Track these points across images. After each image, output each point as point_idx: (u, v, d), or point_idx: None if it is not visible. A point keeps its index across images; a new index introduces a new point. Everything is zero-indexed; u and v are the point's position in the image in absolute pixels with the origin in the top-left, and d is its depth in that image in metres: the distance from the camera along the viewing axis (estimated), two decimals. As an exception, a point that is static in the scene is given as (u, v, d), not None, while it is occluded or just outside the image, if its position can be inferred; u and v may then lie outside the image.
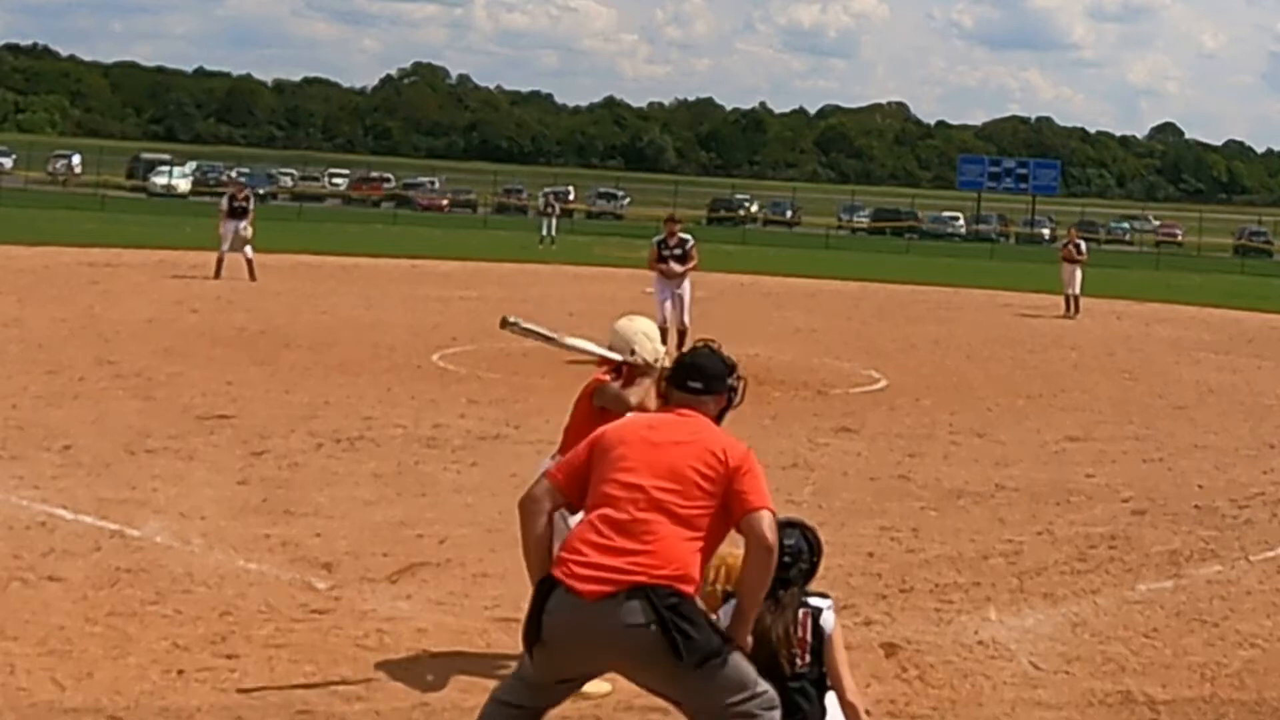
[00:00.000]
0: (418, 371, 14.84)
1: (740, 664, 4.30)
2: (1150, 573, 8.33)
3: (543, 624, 4.24)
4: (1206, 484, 11.06)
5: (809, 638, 4.51)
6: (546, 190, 58.93)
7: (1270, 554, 8.91)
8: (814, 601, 4.60)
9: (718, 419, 4.63)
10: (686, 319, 17.16)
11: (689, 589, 4.25)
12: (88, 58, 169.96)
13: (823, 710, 4.52)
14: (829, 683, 4.54)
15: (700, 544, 4.30)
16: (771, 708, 4.30)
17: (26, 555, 7.34)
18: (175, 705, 5.53)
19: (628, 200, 77.37)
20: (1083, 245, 27.83)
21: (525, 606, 4.34)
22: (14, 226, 33.39)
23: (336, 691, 5.76)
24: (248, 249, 24.20)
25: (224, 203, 25.18)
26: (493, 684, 5.83)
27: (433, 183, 80.00)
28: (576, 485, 4.45)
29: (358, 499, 9.03)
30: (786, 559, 4.60)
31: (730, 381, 4.72)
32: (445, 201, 73.41)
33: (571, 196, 75.66)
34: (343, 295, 22.93)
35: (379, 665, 6.07)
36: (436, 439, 11.14)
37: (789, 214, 77.88)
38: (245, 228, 24.26)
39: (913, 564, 8.22)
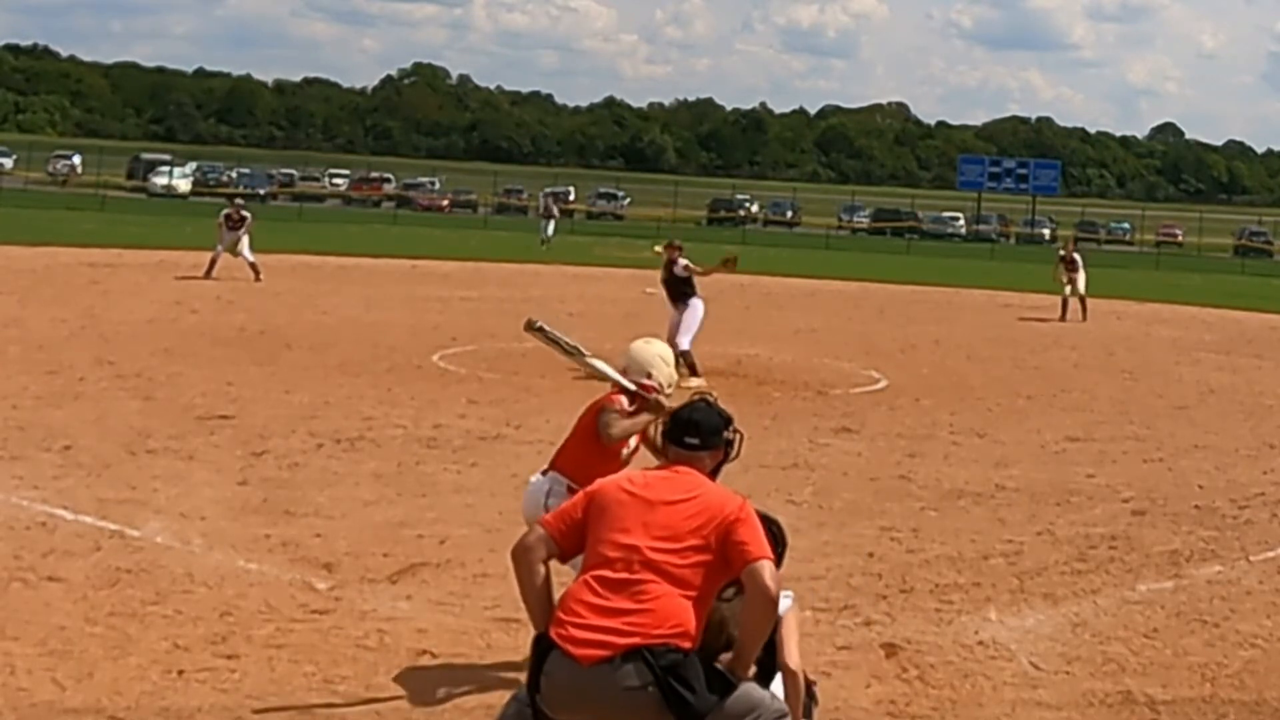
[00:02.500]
0: (418, 372, 14.85)
1: (743, 694, 4.32)
2: (1150, 573, 8.33)
3: (541, 685, 4.26)
4: (1207, 484, 11.06)
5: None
6: (546, 191, 58.78)
7: (1270, 554, 8.91)
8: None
9: (714, 473, 4.66)
10: (681, 342, 15.25)
11: (688, 645, 4.26)
12: (88, 58, 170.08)
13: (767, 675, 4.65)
14: (776, 652, 4.66)
15: (696, 599, 4.32)
16: (782, 715, 4.37)
17: (27, 555, 7.34)
18: (175, 705, 5.53)
19: (628, 200, 77.36)
20: (1078, 259, 26.55)
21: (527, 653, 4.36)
22: (14, 226, 33.41)
23: (336, 691, 5.76)
24: (247, 253, 24.34)
25: (221, 218, 25.37)
26: (492, 684, 5.85)
27: (433, 183, 80.00)
28: (571, 538, 4.46)
29: (358, 499, 9.04)
30: None
31: (727, 435, 4.75)
32: (445, 202, 73.46)
33: (572, 197, 75.72)
34: (343, 295, 22.94)
35: (379, 665, 6.08)
36: (436, 439, 11.15)
37: (789, 214, 77.92)
38: (242, 236, 24.51)
39: (913, 564, 8.22)
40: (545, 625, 4.33)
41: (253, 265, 24.23)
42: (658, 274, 17.32)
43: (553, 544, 4.45)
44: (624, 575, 4.29)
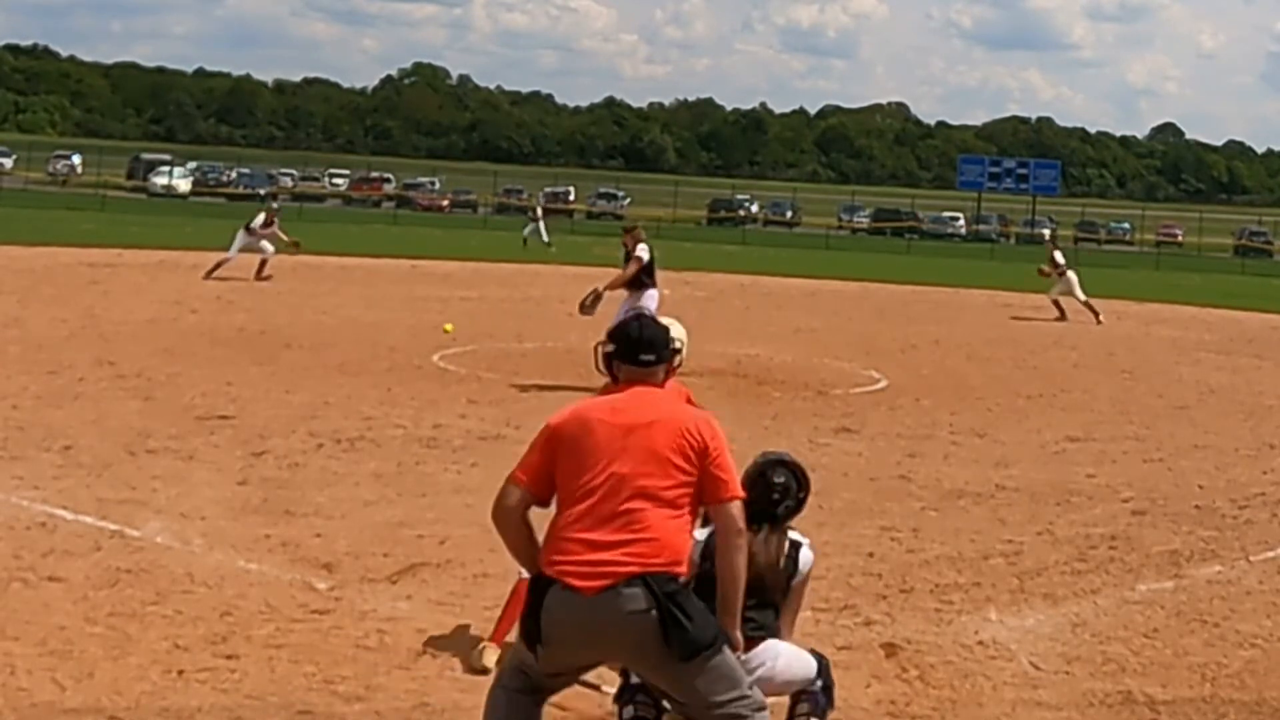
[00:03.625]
0: (418, 371, 14.84)
1: (732, 663, 4.32)
2: (1150, 573, 8.33)
3: (542, 622, 4.26)
4: (1207, 484, 11.05)
5: (786, 567, 4.86)
6: (536, 192, 58.44)
7: (1270, 554, 8.90)
8: (794, 536, 4.95)
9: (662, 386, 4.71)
10: None
11: (684, 572, 4.31)
12: (88, 58, 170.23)
13: (776, 632, 4.91)
14: (780, 616, 4.92)
15: (686, 523, 4.37)
16: (760, 709, 4.35)
17: (27, 555, 7.34)
18: (175, 705, 5.53)
19: (628, 200, 77.35)
20: (1058, 257, 26.23)
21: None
22: (14, 226, 33.39)
23: (336, 691, 5.76)
24: (270, 252, 24.67)
25: (259, 221, 25.29)
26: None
27: (433, 183, 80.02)
28: (544, 483, 4.45)
29: (358, 499, 9.03)
30: (775, 495, 4.94)
31: (675, 346, 4.86)
32: (445, 202, 73.48)
33: (572, 197, 75.71)
34: (343, 295, 22.94)
35: (379, 665, 6.07)
36: (436, 439, 11.14)
37: (789, 214, 77.95)
38: (266, 245, 24.80)
39: (913, 564, 8.22)
40: (539, 568, 4.35)
41: (264, 262, 24.37)
42: (657, 274, 17.32)
43: (530, 496, 4.47)
44: (616, 506, 4.30)
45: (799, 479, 4.99)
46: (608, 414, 4.46)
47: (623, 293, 14.65)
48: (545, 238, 42.37)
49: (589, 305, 14.45)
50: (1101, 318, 25.22)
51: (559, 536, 4.33)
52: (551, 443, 4.46)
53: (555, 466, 4.42)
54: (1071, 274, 25.99)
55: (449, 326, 17.21)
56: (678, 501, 4.34)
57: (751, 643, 4.76)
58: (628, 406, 4.49)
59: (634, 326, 4.73)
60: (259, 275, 24.15)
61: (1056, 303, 25.90)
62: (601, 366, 4.76)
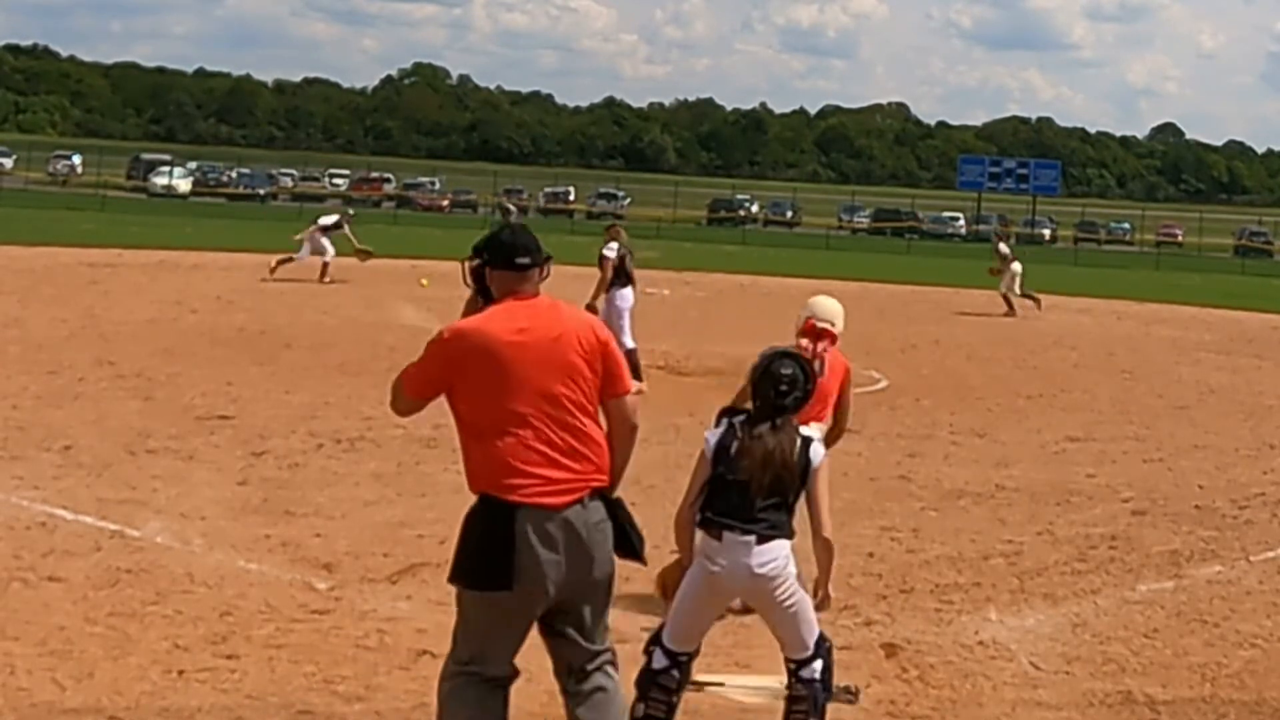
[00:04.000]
0: (418, 372, 14.79)
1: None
2: (1150, 573, 8.33)
3: (518, 550, 4.31)
4: (1207, 484, 11.06)
5: (798, 461, 4.92)
6: (504, 189, 57.30)
7: (1270, 554, 8.91)
8: (805, 431, 5.06)
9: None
10: (627, 340, 14.02)
11: (608, 480, 4.56)
12: (88, 58, 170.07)
13: (792, 533, 4.98)
14: (810, 514, 5.00)
15: (597, 423, 4.56)
16: (614, 664, 4.64)
17: (27, 555, 7.34)
18: (175, 705, 5.53)
19: (628, 201, 77.36)
20: (1003, 247, 26.47)
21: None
22: (14, 226, 33.38)
23: (336, 691, 5.76)
24: (330, 252, 24.98)
25: (330, 220, 25.87)
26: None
27: (433, 183, 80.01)
28: (433, 394, 4.57)
29: (358, 499, 9.03)
30: (783, 387, 5.00)
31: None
32: (445, 202, 73.45)
33: (572, 197, 75.72)
34: (343, 295, 22.93)
35: (379, 665, 6.07)
36: (436, 439, 11.11)
37: (789, 214, 77.92)
38: (328, 245, 25.10)
39: (913, 564, 8.22)
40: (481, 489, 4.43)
41: (326, 265, 24.85)
42: (657, 274, 17.32)
43: (419, 405, 4.64)
44: (559, 423, 4.42)
45: (805, 371, 5.06)
46: (515, 333, 4.45)
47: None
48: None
49: None
50: (1042, 304, 25.90)
51: (512, 464, 4.37)
52: (454, 363, 4.47)
53: (456, 383, 4.48)
54: (1016, 265, 26.18)
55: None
56: (594, 406, 4.52)
57: (764, 540, 4.87)
58: (530, 321, 4.49)
59: (505, 233, 4.69)
60: (322, 278, 24.49)
61: (1006, 298, 25.96)
62: (470, 280, 4.68)
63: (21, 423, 10.80)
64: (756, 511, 4.85)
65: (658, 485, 9.58)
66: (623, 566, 4.70)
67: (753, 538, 4.85)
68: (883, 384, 15.90)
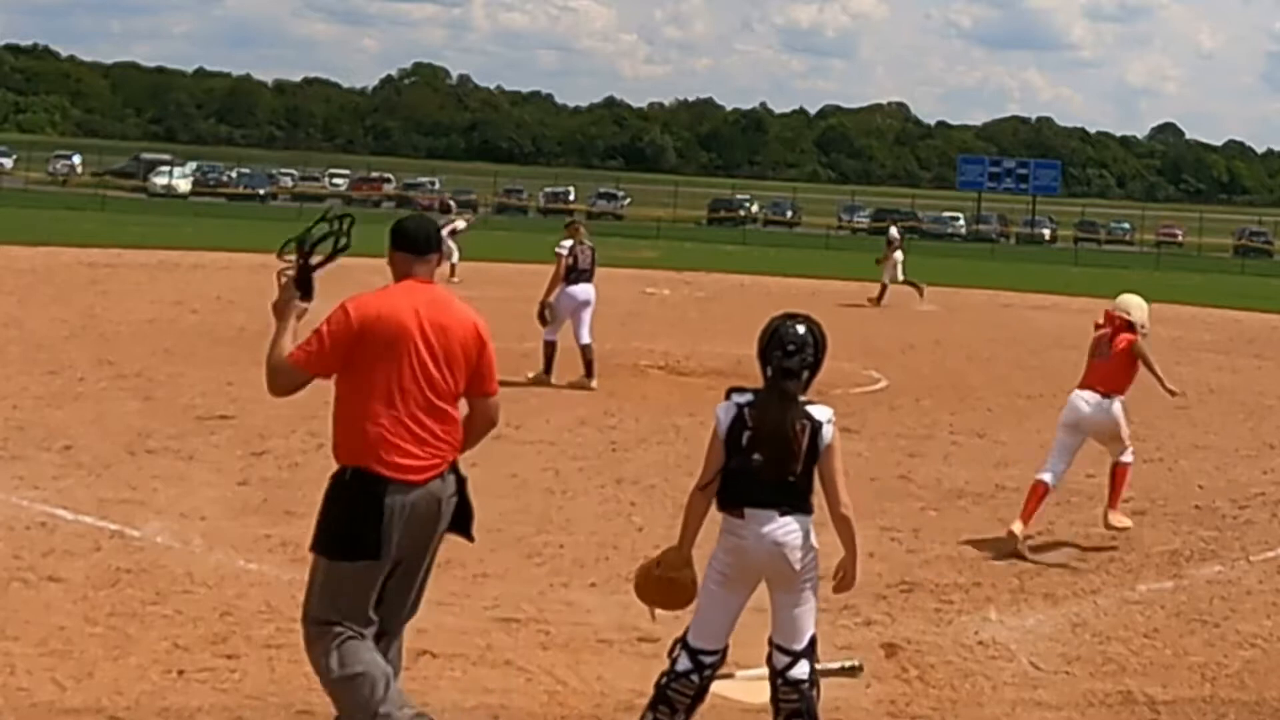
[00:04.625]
0: (418, 372, 14.78)
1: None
2: (1150, 573, 8.34)
3: (385, 519, 4.65)
4: (1206, 484, 11.06)
5: (806, 442, 4.83)
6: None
7: (1270, 554, 8.91)
8: (815, 413, 4.87)
9: None
10: (583, 336, 14.48)
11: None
12: (88, 58, 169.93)
13: (810, 508, 4.92)
14: (826, 493, 4.92)
15: (458, 410, 4.95)
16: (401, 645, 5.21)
17: (27, 555, 7.34)
18: (175, 705, 5.53)
19: (628, 201, 77.39)
20: (893, 232, 27.80)
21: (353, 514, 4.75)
22: (14, 226, 33.37)
23: (337, 692, 5.74)
24: (454, 253, 25.80)
25: (460, 224, 27.19)
26: (493, 685, 5.84)
27: (433, 183, 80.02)
28: (326, 369, 4.82)
29: (358, 499, 9.01)
30: (791, 347, 4.84)
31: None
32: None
33: (572, 197, 75.72)
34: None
35: (379, 665, 6.06)
36: (437, 439, 11.12)
37: (789, 214, 77.96)
38: (454, 247, 25.62)
39: (913, 564, 8.22)
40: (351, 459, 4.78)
41: (453, 267, 25.77)
42: (657, 274, 17.31)
43: (309, 378, 4.86)
44: (430, 403, 4.79)
45: (816, 336, 4.91)
46: (412, 314, 4.81)
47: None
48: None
49: (546, 317, 14.53)
50: (924, 292, 26.87)
51: (388, 439, 4.73)
52: (357, 336, 4.78)
53: (353, 354, 4.76)
54: (898, 254, 27.23)
55: None
56: (459, 397, 4.91)
57: (785, 514, 4.86)
58: (435, 309, 4.86)
59: (410, 221, 5.12)
60: (450, 278, 24.95)
61: (883, 287, 26.97)
62: (294, 274, 5.09)
63: (21, 423, 10.80)
64: (773, 493, 4.84)
65: (658, 485, 9.60)
66: None
67: (775, 511, 4.84)
68: (883, 384, 15.90)
